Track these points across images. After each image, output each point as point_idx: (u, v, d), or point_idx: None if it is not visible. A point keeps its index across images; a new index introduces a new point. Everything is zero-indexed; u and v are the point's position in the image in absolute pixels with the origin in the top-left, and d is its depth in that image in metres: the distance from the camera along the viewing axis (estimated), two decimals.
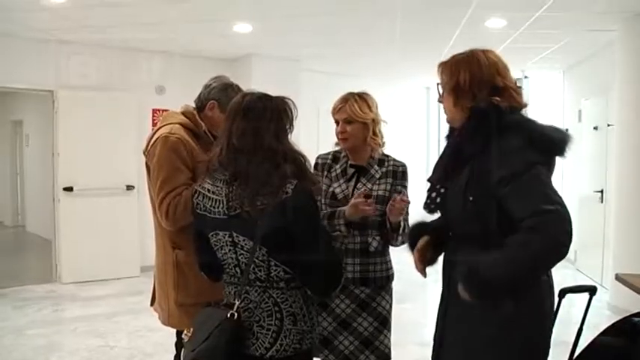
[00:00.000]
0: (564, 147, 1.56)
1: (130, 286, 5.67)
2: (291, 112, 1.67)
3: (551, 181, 1.48)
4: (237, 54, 6.58)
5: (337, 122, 2.25)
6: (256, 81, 6.27)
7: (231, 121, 1.64)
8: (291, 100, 1.70)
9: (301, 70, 6.97)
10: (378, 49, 6.31)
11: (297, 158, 1.61)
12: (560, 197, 1.42)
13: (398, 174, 2.23)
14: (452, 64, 1.64)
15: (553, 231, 1.37)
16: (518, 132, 1.51)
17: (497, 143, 1.50)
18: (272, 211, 1.53)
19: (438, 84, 1.70)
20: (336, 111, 2.24)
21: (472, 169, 1.55)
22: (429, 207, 1.70)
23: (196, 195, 1.69)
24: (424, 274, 1.76)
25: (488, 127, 1.52)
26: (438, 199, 1.67)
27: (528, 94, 8.10)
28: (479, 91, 1.57)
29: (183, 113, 2.23)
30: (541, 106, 8.04)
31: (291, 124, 1.67)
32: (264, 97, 1.66)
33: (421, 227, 1.82)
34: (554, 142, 1.56)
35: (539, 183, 1.44)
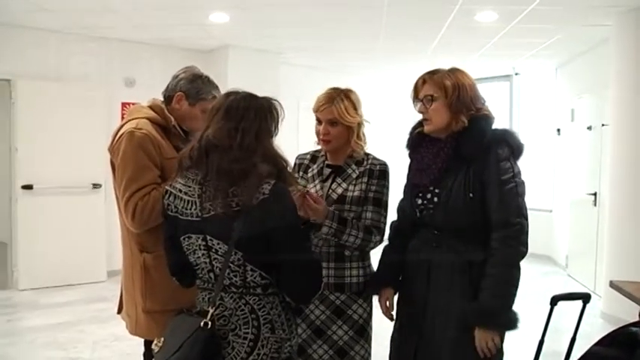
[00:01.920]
0: (521, 156, 1.97)
1: (95, 293, 5.61)
2: (277, 114, 1.68)
3: (524, 192, 1.91)
4: (212, 45, 6.56)
5: (319, 121, 2.23)
6: (233, 74, 6.29)
7: (212, 117, 1.65)
8: (278, 102, 1.71)
9: (281, 64, 6.98)
10: (362, 43, 6.35)
11: (277, 160, 1.63)
12: (526, 209, 1.91)
13: (375, 172, 2.21)
14: (449, 78, 1.96)
15: (518, 244, 1.87)
16: (506, 142, 1.91)
17: (493, 149, 1.89)
18: (248, 212, 1.53)
19: (420, 98, 2.01)
20: (319, 109, 2.21)
21: (470, 170, 1.91)
22: (426, 208, 2.00)
23: (167, 195, 1.69)
24: (392, 318, 2.18)
25: (487, 134, 1.93)
26: (435, 199, 1.98)
27: (519, 92, 8.22)
28: (475, 103, 1.98)
29: (150, 107, 2.22)
30: (532, 105, 8.16)
31: (276, 127, 1.68)
32: (248, 97, 1.67)
33: (384, 275, 2.17)
34: (521, 153, 1.96)
35: (517, 194, 1.88)
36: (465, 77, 2.00)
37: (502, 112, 7.97)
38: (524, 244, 1.89)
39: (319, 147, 2.32)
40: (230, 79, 6.05)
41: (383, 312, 2.17)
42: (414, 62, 7.26)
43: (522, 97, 8.23)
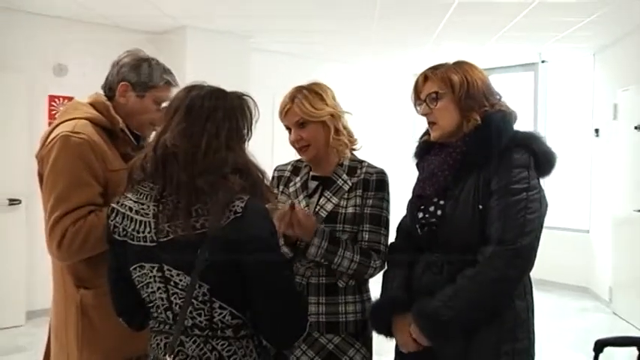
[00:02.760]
0: (554, 167, 2.01)
1: (9, 341, 5.49)
2: (250, 114, 1.71)
3: (538, 211, 1.92)
4: (166, 25, 6.57)
5: (288, 128, 2.30)
6: (192, 63, 6.30)
7: (169, 118, 1.66)
8: (251, 98, 1.74)
9: (252, 50, 7.02)
10: (352, 25, 6.40)
11: (251, 171, 1.65)
12: (536, 227, 1.91)
13: (370, 183, 2.25)
14: (456, 72, 2.03)
15: (506, 267, 1.88)
16: (528, 147, 1.96)
17: (510, 152, 1.94)
18: (216, 236, 1.54)
19: (423, 98, 2.08)
20: (283, 114, 2.29)
21: (480, 177, 1.96)
22: (428, 223, 2.05)
23: (114, 215, 1.70)
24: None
25: (502, 135, 1.97)
26: (439, 212, 2.03)
27: (547, 84, 8.31)
28: (489, 97, 2.04)
29: (92, 104, 2.22)
30: (563, 100, 8.25)
31: (249, 130, 1.71)
32: (215, 93, 1.69)
33: (389, 307, 2.13)
34: (552, 165, 2.00)
35: (525, 209, 1.90)
36: (475, 70, 2.07)
37: (524, 109, 8.03)
38: (518, 269, 1.92)
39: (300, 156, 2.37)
40: (188, 69, 6.07)
41: (401, 344, 2.10)
42: (415, 48, 7.33)
43: (550, 91, 8.32)
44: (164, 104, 2.23)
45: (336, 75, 7.70)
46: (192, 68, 6.05)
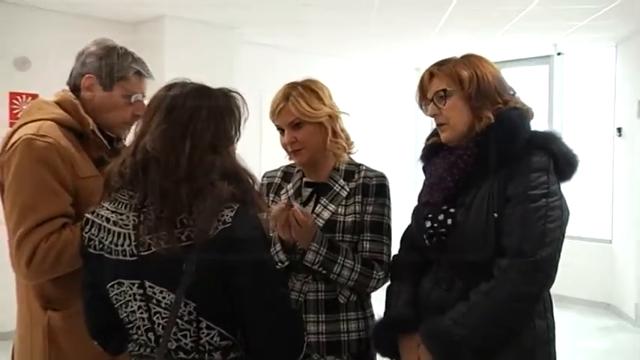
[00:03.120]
0: (575, 171, 2.02)
1: None
2: (239, 113, 1.72)
3: (560, 220, 1.92)
4: (142, 15, 6.53)
5: (281, 130, 2.31)
6: (171, 56, 6.27)
7: (148, 120, 1.67)
8: (239, 94, 1.75)
9: (239, 43, 7.02)
10: (349, 16, 6.38)
11: (241, 177, 1.66)
12: (557, 237, 1.91)
13: (370, 188, 2.29)
14: (465, 66, 2.05)
15: (525, 282, 1.87)
16: (547, 148, 1.96)
17: (528, 155, 1.95)
18: (203, 248, 1.55)
19: (430, 97, 2.09)
20: (276, 114, 2.29)
21: (495, 182, 1.96)
22: (437, 233, 2.04)
23: (88, 226, 1.70)
24: None
25: (519, 135, 1.98)
26: (449, 221, 2.02)
27: (563, 78, 8.32)
28: (502, 93, 2.05)
29: (58, 103, 2.21)
30: (581, 95, 8.24)
31: (238, 130, 1.72)
32: (198, 91, 1.70)
33: (395, 326, 2.13)
34: (573, 168, 2.01)
35: (545, 218, 1.90)
36: (485, 64, 2.08)
37: (538, 107, 7.90)
38: (538, 284, 1.90)
39: (291, 161, 2.39)
40: (167, 64, 6.04)
41: None
42: (417, 41, 7.34)
43: (567, 86, 8.31)
44: (135, 98, 2.25)
45: (332, 71, 7.74)
46: (172, 63, 6.01)
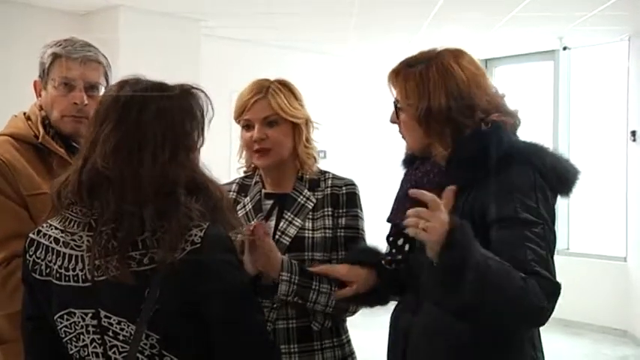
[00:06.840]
0: (574, 185, 1.97)
1: None
2: (202, 114, 1.72)
3: (554, 237, 1.89)
4: (93, 4, 6.49)
5: (248, 126, 2.30)
6: (126, 51, 6.22)
7: (97, 127, 1.65)
8: (202, 90, 1.74)
9: (203, 36, 7.03)
10: (329, 6, 6.41)
11: (208, 190, 1.66)
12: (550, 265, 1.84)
13: (340, 198, 2.31)
14: (415, 81, 2.01)
15: (538, 296, 1.76)
16: (526, 163, 1.91)
17: (505, 173, 1.89)
18: (168, 273, 1.55)
19: (396, 101, 2.09)
20: (249, 106, 2.28)
21: (464, 204, 1.92)
22: (394, 259, 1.98)
23: (32, 249, 1.69)
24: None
25: (494, 150, 1.91)
26: (407, 247, 1.95)
27: (569, 75, 8.37)
28: (462, 117, 1.97)
29: (28, 116, 2.30)
30: (590, 95, 8.29)
31: (201, 134, 1.71)
32: (154, 89, 1.69)
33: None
34: (567, 183, 1.96)
35: (538, 241, 1.83)
36: (458, 67, 2.00)
37: (541, 107, 8.08)
38: (547, 301, 1.79)
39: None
40: (122, 58, 5.98)
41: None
42: (406, 33, 7.36)
43: (574, 84, 8.36)
44: (62, 81, 2.25)
45: (309, 67, 7.80)
46: (127, 58, 5.93)
